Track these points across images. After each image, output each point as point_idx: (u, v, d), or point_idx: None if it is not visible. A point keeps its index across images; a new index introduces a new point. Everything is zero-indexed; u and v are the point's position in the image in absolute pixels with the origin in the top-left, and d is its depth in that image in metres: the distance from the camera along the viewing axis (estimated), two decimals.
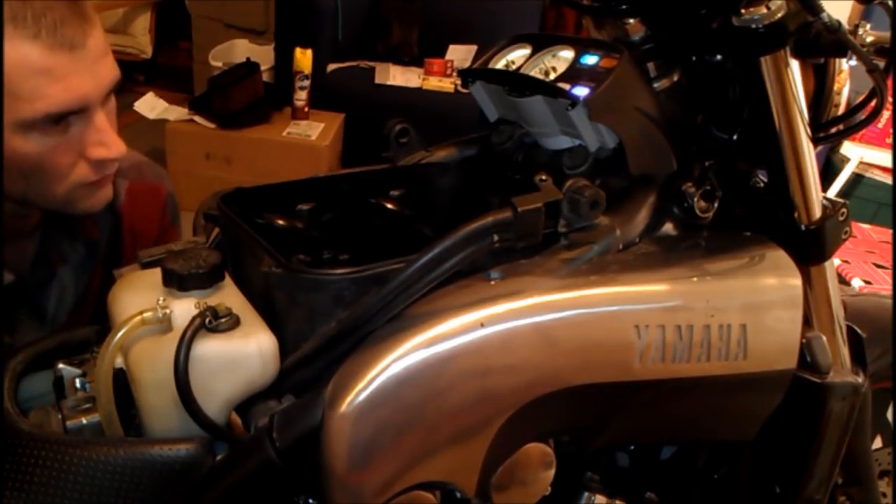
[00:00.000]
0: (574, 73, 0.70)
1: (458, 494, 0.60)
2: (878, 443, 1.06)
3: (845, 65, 0.76)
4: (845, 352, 0.83)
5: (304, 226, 0.76)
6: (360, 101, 2.99)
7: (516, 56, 0.77)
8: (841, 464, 0.79)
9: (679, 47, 0.74)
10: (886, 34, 0.73)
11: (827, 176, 2.93)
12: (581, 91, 0.67)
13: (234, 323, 0.58)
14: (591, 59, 0.70)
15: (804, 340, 0.72)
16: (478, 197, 0.78)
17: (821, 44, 0.69)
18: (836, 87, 0.77)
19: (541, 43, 0.75)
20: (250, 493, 0.57)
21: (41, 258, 0.94)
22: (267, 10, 3.36)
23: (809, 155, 0.74)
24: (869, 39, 0.74)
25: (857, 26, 0.73)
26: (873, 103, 0.72)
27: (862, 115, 0.76)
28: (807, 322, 0.75)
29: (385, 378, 0.55)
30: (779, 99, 0.71)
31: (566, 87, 0.69)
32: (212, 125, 2.80)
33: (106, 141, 0.82)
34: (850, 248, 2.28)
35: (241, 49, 3.23)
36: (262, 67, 2.89)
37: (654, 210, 0.71)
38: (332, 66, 3.09)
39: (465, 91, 0.80)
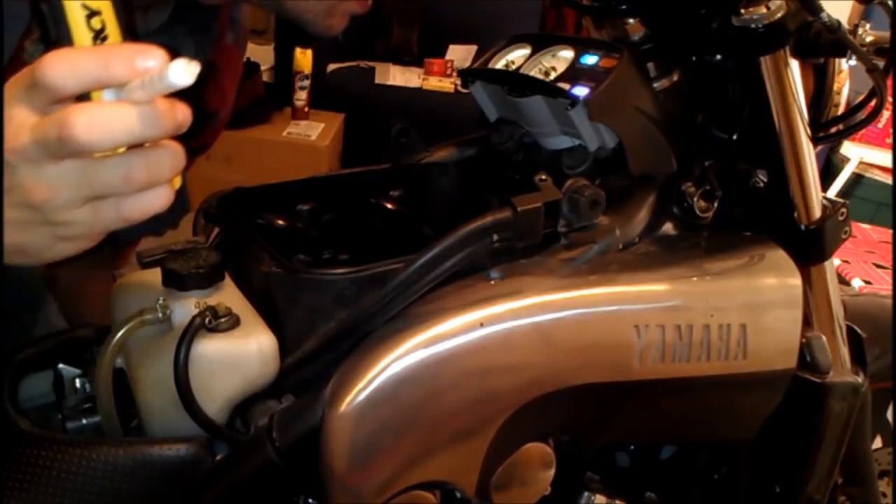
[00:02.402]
0: (574, 73, 0.70)
1: (458, 494, 0.60)
2: (878, 443, 1.06)
3: (845, 65, 0.76)
4: (845, 352, 0.83)
5: (304, 226, 0.76)
6: (360, 101, 2.99)
7: (516, 56, 0.77)
8: (841, 464, 0.79)
9: (679, 47, 0.74)
10: (886, 34, 0.73)
11: (827, 176, 2.93)
12: (581, 91, 0.67)
13: (234, 323, 0.58)
14: (591, 59, 0.70)
15: (804, 340, 0.72)
16: (478, 197, 0.78)
17: (821, 44, 0.68)
18: (836, 87, 0.77)
19: (541, 43, 0.75)
20: (250, 493, 0.57)
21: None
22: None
23: (809, 155, 0.74)
24: (869, 39, 0.74)
25: (857, 26, 0.73)
26: (873, 103, 0.72)
27: (862, 115, 0.76)
28: (807, 322, 0.75)
29: (385, 378, 0.55)
30: (779, 99, 0.71)
31: (566, 87, 0.69)
32: None
33: None
34: (850, 248, 2.28)
35: None
36: (262, 67, 2.89)
37: (654, 210, 0.71)
38: (332, 66, 3.09)
39: (465, 91, 0.80)
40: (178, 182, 0.48)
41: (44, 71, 0.42)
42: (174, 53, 0.43)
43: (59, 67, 0.43)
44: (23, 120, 0.44)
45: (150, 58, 0.42)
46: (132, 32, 0.47)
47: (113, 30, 0.46)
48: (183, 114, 0.45)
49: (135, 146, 0.45)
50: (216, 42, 0.87)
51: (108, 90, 0.44)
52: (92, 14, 0.45)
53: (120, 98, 0.44)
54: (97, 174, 0.44)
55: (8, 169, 0.44)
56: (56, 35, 0.45)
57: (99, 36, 0.45)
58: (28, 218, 0.46)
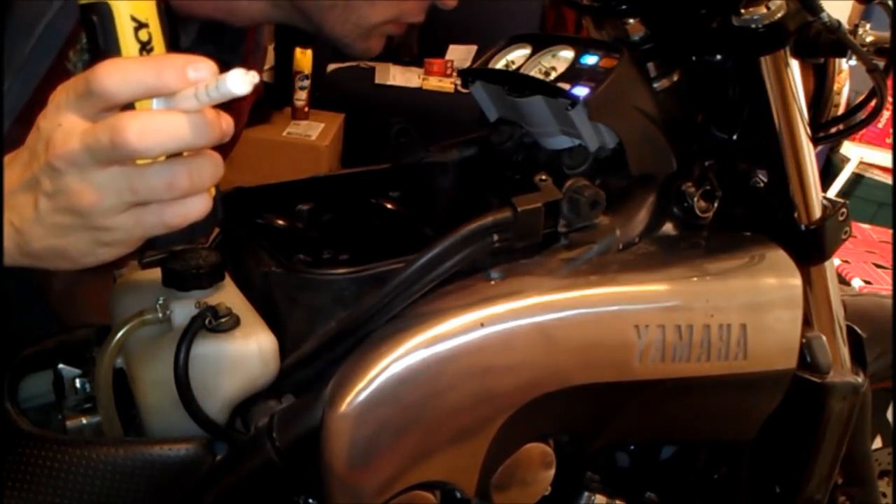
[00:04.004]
0: (574, 73, 0.70)
1: (458, 494, 0.60)
2: (878, 443, 1.06)
3: (845, 65, 0.76)
4: (845, 352, 0.83)
5: (304, 226, 0.76)
6: (360, 101, 2.99)
7: (516, 56, 0.77)
8: (841, 464, 0.79)
9: (679, 47, 0.74)
10: (886, 34, 0.73)
11: (827, 176, 2.93)
12: (581, 91, 0.67)
13: (234, 323, 0.58)
14: (591, 59, 0.70)
15: (804, 340, 0.72)
16: (478, 197, 0.78)
17: (821, 44, 0.68)
18: (836, 87, 0.77)
19: (541, 43, 0.75)
20: (250, 493, 0.57)
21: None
22: None
23: (809, 155, 0.74)
24: (869, 39, 0.74)
25: (857, 26, 0.73)
26: (873, 103, 0.72)
27: (862, 115, 0.76)
28: (807, 322, 0.75)
29: (385, 378, 0.55)
30: (779, 99, 0.71)
31: (566, 87, 0.69)
32: None
33: None
34: (850, 248, 2.28)
35: None
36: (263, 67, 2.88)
37: (654, 210, 0.71)
38: (332, 66, 3.09)
39: (465, 91, 0.80)
40: (213, 191, 0.49)
41: (98, 79, 0.44)
42: (223, 66, 0.44)
43: (114, 76, 0.44)
44: (73, 126, 0.45)
45: (200, 68, 0.44)
46: (175, 45, 0.49)
47: (158, 42, 0.47)
48: (227, 123, 0.46)
49: (175, 154, 0.46)
50: (243, 63, 0.87)
51: (157, 99, 0.45)
52: (140, 26, 0.46)
53: (169, 106, 0.45)
54: (142, 180, 0.45)
55: (54, 174, 0.46)
56: (104, 45, 0.46)
57: (145, 47, 0.47)
58: (71, 223, 0.47)
